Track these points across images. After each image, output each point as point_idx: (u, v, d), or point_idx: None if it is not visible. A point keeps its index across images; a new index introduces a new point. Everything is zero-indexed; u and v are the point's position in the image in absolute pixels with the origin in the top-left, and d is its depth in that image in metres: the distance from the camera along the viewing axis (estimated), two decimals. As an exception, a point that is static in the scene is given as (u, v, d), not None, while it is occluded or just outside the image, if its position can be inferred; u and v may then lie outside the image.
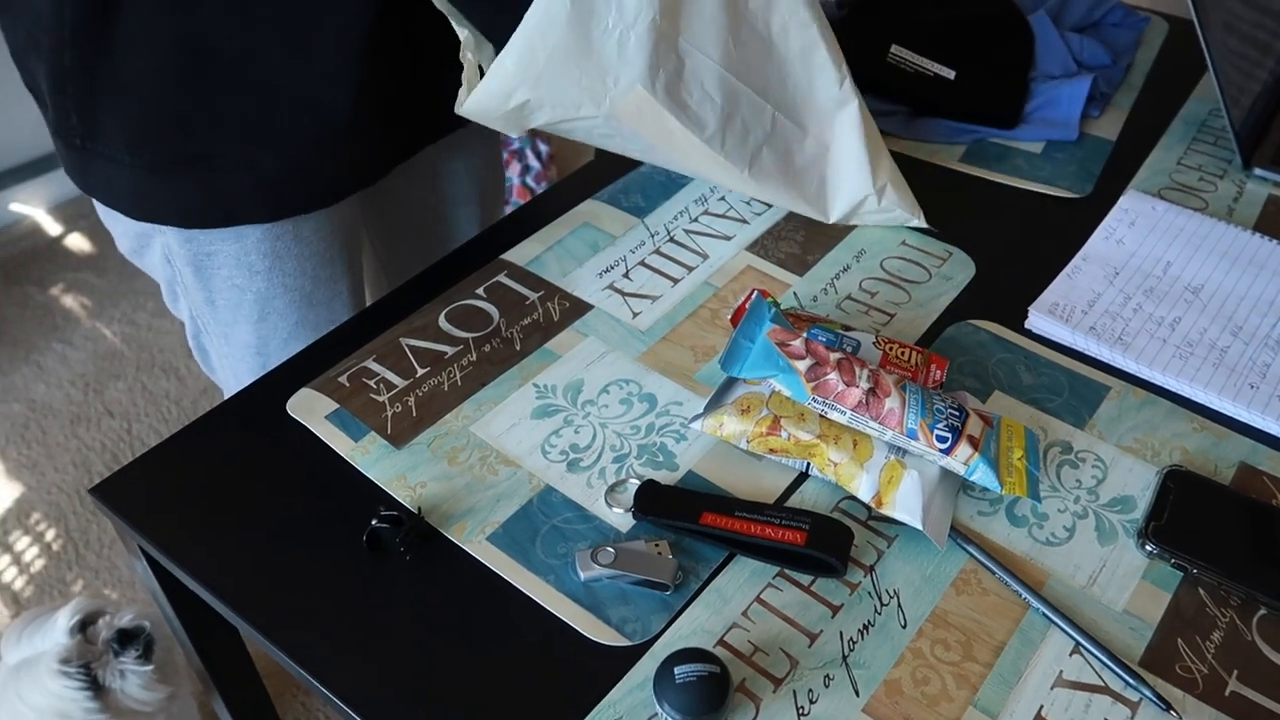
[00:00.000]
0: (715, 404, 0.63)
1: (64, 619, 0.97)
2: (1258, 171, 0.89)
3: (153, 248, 0.81)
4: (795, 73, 0.73)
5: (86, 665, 0.95)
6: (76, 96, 0.70)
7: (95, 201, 0.79)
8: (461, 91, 0.68)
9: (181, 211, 0.75)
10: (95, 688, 0.95)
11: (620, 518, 0.60)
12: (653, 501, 0.59)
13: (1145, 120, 0.96)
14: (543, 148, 2.08)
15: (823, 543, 0.56)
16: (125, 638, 0.98)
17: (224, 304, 0.81)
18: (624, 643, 0.54)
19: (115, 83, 0.69)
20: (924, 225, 0.80)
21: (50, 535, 1.54)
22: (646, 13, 0.65)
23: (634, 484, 0.61)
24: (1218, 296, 0.75)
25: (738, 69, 0.71)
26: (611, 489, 0.61)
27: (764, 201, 0.82)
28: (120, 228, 0.81)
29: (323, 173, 0.77)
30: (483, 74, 0.68)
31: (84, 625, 0.98)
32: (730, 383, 0.64)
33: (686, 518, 0.58)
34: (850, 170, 0.77)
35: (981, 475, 0.59)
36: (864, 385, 0.59)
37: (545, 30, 0.64)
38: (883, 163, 0.77)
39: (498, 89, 0.66)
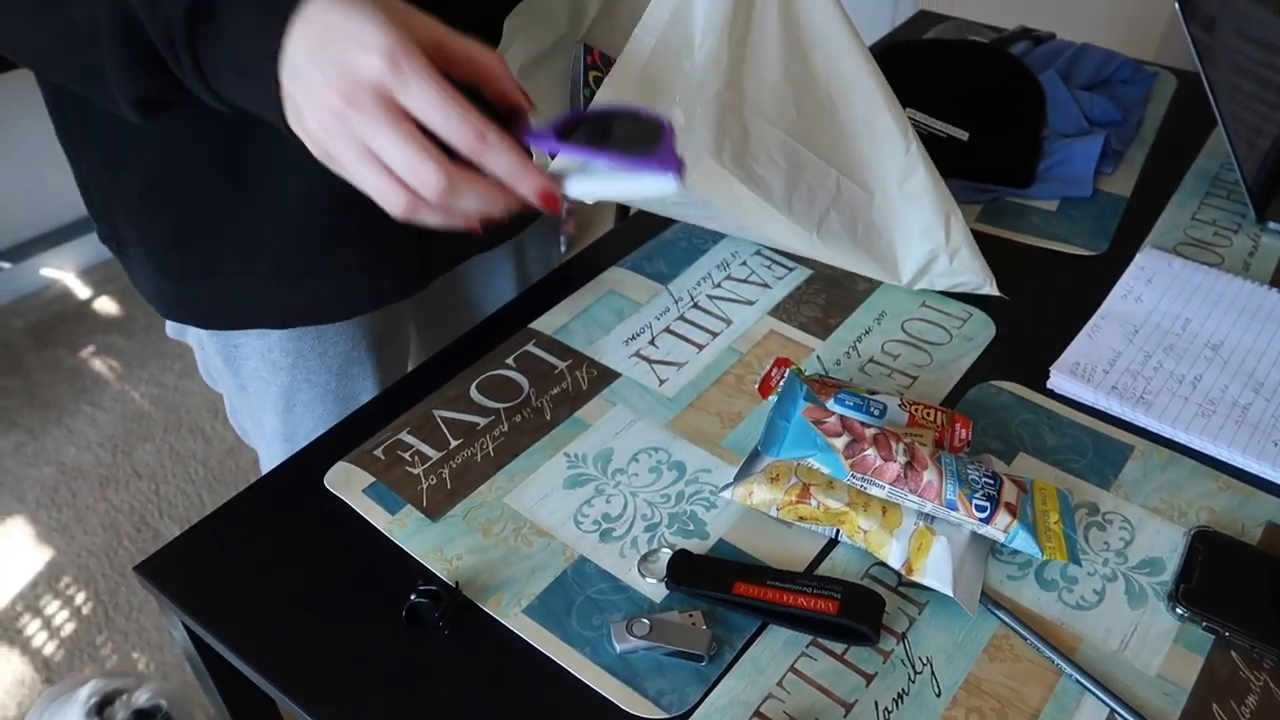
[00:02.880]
0: (745, 472, 0.64)
1: (83, 699, 0.98)
2: (1272, 225, 0.90)
3: (189, 331, 0.84)
4: (860, 137, 0.75)
5: None
6: (98, 203, 0.74)
7: None
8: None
9: (198, 315, 0.78)
10: None
11: (653, 588, 0.61)
12: (686, 571, 0.60)
13: (1158, 176, 0.98)
14: (562, 235, 2.11)
15: (855, 611, 0.57)
16: (142, 717, 0.99)
17: (253, 391, 0.83)
18: (661, 715, 0.55)
19: (124, 193, 0.71)
20: (996, 293, 0.81)
21: (80, 599, 1.55)
22: (711, 85, 0.67)
23: (666, 553, 0.62)
24: (1238, 353, 0.76)
25: (801, 135, 0.73)
26: (644, 559, 0.62)
27: (835, 265, 0.83)
28: None
29: (322, 284, 0.77)
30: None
31: (102, 707, 0.99)
32: (758, 452, 0.65)
33: (719, 587, 0.59)
34: (920, 232, 0.78)
35: (1021, 542, 0.60)
36: (901, 459, 0.60)
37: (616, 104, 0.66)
38: (955, 226, 0.78)
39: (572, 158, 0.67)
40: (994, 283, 0.81)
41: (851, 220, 0.77)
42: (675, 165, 0.49)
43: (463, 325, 0.96)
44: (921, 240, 0.79)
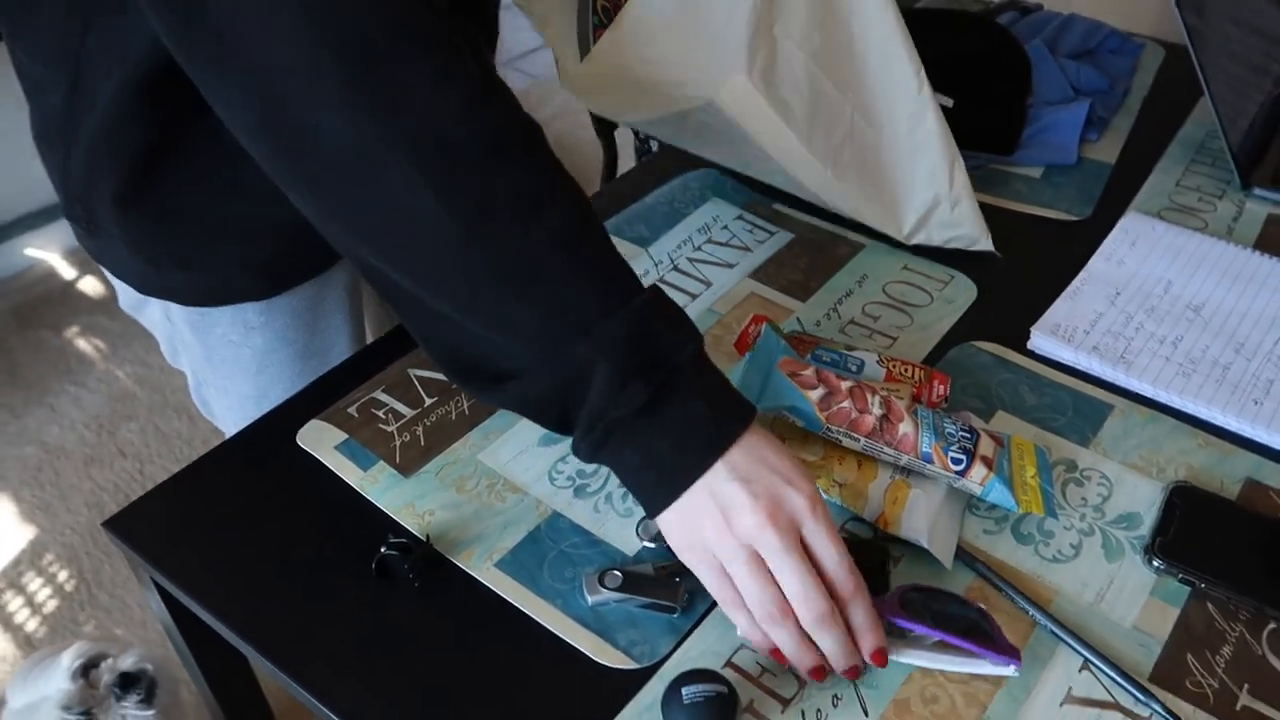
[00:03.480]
0: (720, 427, 0.63)
1: (66, 663, 0.97)
2: (1257, 191, 0.90)
3: (151, 305, 0.82)
4: (874, 73, 0.74)
5: (88, 711, 0.95)
6: (79, 192, 0.72)
7: None
8: (559, 65, 0.68)
9: (180, 294, 0.77)
10: None
11: (627, 542, 0.60)
12: None
13: (1143, 143, 0.97)
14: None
15: (860, 564, 0.57)
16: (127, 681, 0.98)
17: (221, 359, 0.82)
18: (632, 665, 0.54)
19: (106, 187, 0.70)
20: (990, 249, 0.80)
21: (63, 576, 1.54)
22: None
23: None
24: (1219, 314, 0.76)
25: (824, 63, 0.71)
26: (643, 522, 0.61)
27: (841, 214, 0.82)
28: (119, 287, 0.82)
29: (312, 249, 0.74)
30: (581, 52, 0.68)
31: (86, 669, 0.98)
32: (734, 406, 0.64)
33: None
34: (924, 177, 0.77)
35: (997, 495, 0.59)
36: (877, 411, 0.60)
37: (658, 5, 0.64)
38: (959, 175, 0.77)
39: (608, 61, 0.66)
40: (989, 238, 0.80)
41: (860, 160, 0.76)
42: (1017, 656, 0.52)
43: None
44: (925, 185, 0.78)
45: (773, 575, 0.51)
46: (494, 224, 0.51)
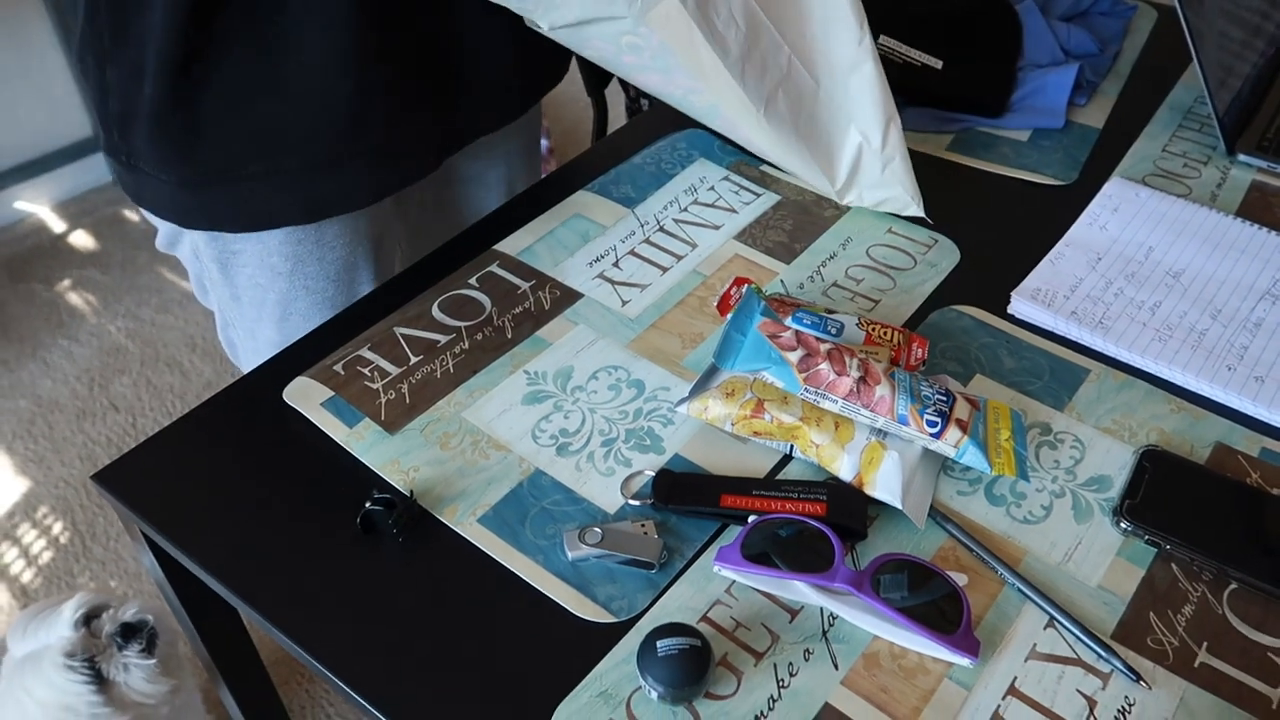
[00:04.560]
0: (700, 388, 0.64)
1: (68, 613, 0.99)
2: (1241, 157, 0.90)
3: (183, 243, 0.83)
4: (814, 19, 0.73)
5: (91, 659, 0.97)
6: (116, 113, 0.73)
7: None
8: None
9: (217, 220, 0.77)
10: (99, 681, 0.97)
11: (608, 500, 0.61)
12: (671, 489, 0.61)
13: (1131, 108, 0.97)
14: (544, 142, 2.09)
15: (842, 510, 0.58)
16: (128, 631, 1.00)
17: (248, 301, 0.83)
18: (610, 619, 0.55)
19: (141, 103, 0.70)
20: (921, 214, 0.81)
21: (57, 529, 1.56)
22: None
23: (648, 474, 0.62)
24: (1198, 281, 0.77)
25: (763, 0, 0.70)
26: (626, 481, 0.62)
27: (773, 164, 0.82)
28: (157, 224, 0.83)
29: (348, 171, 0.76)
30: None
31: (88, 619, 1.00)
32: (715, 367, 0.65)
33: (707, 501, 0.60)
34: (858, 132, 0.77)
35: (971, 457, 0.61)
36: (854, 374, 0.61)
37: None
38: (893, 134, 0.77)
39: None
40: (921, 203, 0.80)
41: (796, 106, 0.76)
42: (976, 650, 0.53)
43: (448, 236, 0.96)
44: (858, 141, 0.77)
45: None
46: None
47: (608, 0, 0.67)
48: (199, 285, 0.88)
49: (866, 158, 0.78)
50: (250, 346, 0.88)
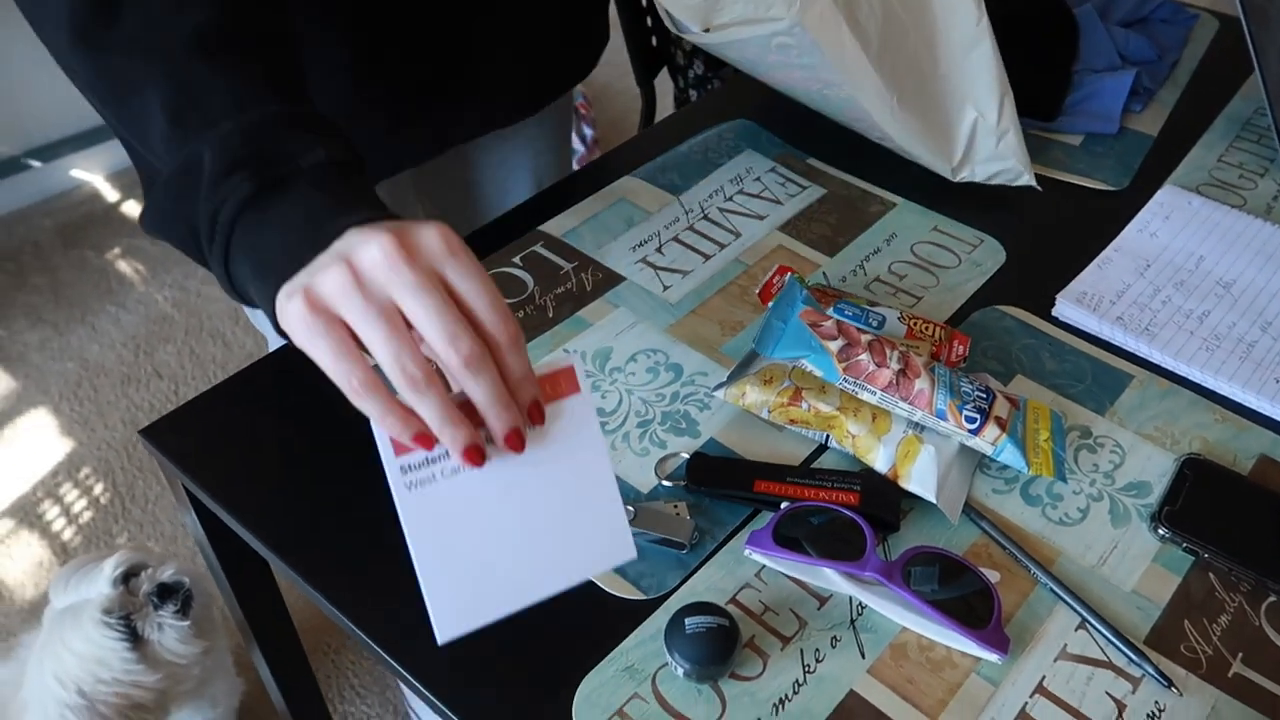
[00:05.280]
0: (739, 374, 0.65)
1: (109, 570, 1.01)
2: (1300, 171, 0.89)
3: None
4: (936, 3, 0.75)
5: (127, 616, 0.99)
6: None
7: None
8: None
9: None
10: (134, 638, 0.99)
11: (641, 479, 0.62)
12: (704, 472, 0.61)
13: (1188, 117, 0.96)
14: (588, 131, 2.10)
15: (876, 502, 0.58)
16: (165, 592, 1.02)
17: None
18: (639, 596, 0.56)
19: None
20: (1033, 184, 0.81)
21: (98, 489, 1.59)
22: None
23: (683, 457, 0.62)
24: (1249, 292, 0.75)
25: None
26: (661, 462, 0.63)
27: (895, 148, 0.83)
28: None
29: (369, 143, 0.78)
30: None
31: (127, 577, 1.02)
32: (754, 354, 0.65)
33: (740, 486, 0.60)
34: (974, 106, 0.78)
35: (1009, 456, 0.60)
36: (894, 366, 0.61)
37: None
38: (1007, 109, 0.78)
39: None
40: (1033, 173, 0.81)
41: (919, 89, 0.77)
42: (1005, 647, 0.52)
43: (472, 217, 0.97)
44: (974, 115, 0.79)
45: (412, 332, 0.42)
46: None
47: (767, 3, 0.68)
48: None
49: (981, 133, 0.80)
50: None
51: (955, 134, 0.80)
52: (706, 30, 0.73)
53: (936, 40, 0.76)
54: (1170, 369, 0.70)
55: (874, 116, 0.79)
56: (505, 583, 0.46)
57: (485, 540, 0.47)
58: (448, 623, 0.45)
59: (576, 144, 2.08)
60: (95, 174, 2.21)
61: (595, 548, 0.47)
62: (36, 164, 2.13)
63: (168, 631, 1.02)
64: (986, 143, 0.79)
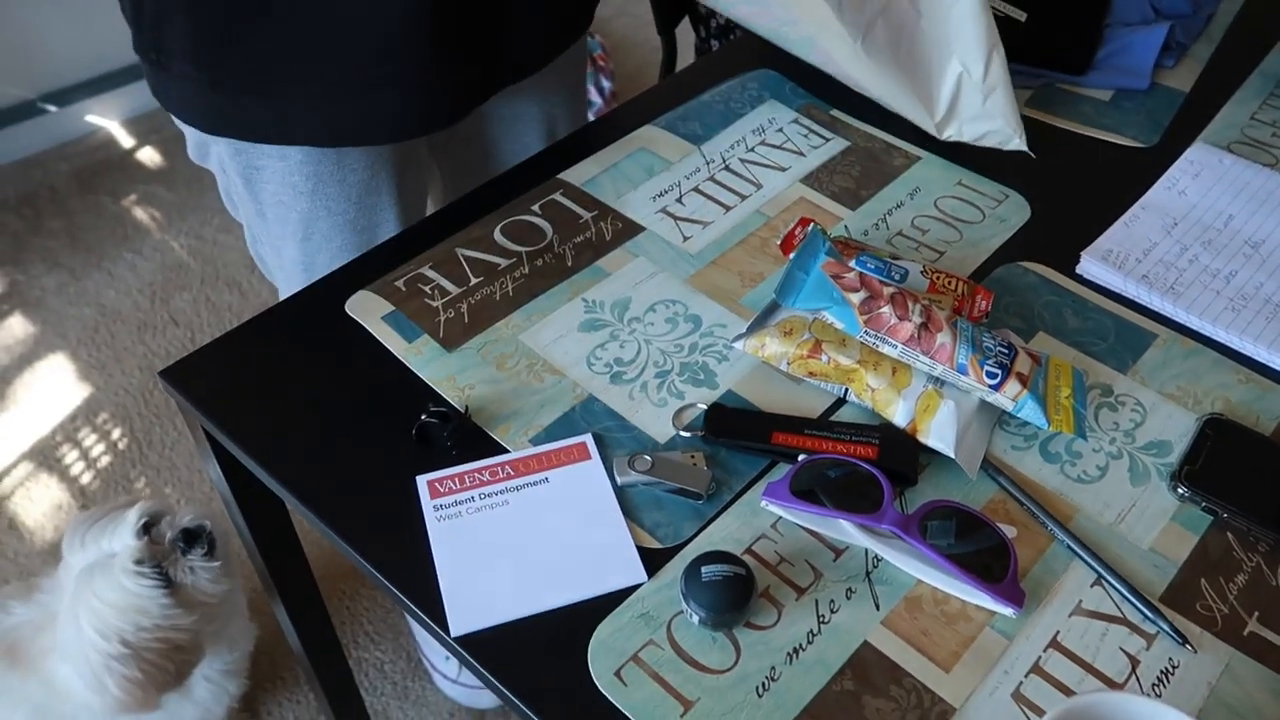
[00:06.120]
0: (759, 325, 0.64)
1: (132, 520, 1.01)
2: (1335, 130, 0.87)
3: (211, 155, 0.84)
4: None
5: (159, 564, 1.00)
6: (149, 8, 0.73)
7: None
8: None
9: (243, 127, 0.77)
10: (168, 584, 1.00)
11: (659, 429, 0.62)
12: (722, 424, 0.61)
13: (1222, 73, 0.94)
14: (606, 84, 2.08)
15: (893, 455, 0.58)
16: (190, 536, 1.03)
17: (273, 218, 0.84)
18: (656, 545, 0.56)
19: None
20: (1024, 148, 0.79)
21: (116, 434, 1.60)
22: None
23: (701, 408, 0.62)
24: (1279, 252, 0.74)
25: None
26: (679, 413, 0.62)
27: (863, 111, 0.81)
28: (187, 132, 0.83)
29: (377, 98, 0.76)
30: None
31: (148, 527, 1.03)
32: (774, 305, 0.65)
33: (758, 438, 0.60)
34: (960, 60, 0.76)
35: (1029, 412, 0.60)
36: (916, 320, 0.60)
37: None
38: (996, 63, 0.75)
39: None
40: (1024, 136, 0.78)
41: (896, 37, 0.74)
42: (1020, 601, 0.52)
43: (486, 173, 0.95)
44: (960, 71, 0.76)
45: None
46: None
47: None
48: (228, 198, 0.89)
49: (967, 89, 0.77)
50: (276, 263, 0.89)
51: (938, 88, 0.77)
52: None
53: None
54: (1195, 329, 0.69)
55: (836, 60, 0.77)
56: (517, 594, 0.54)
57: (501, 561, 0.55)
58: (461, 620, 0.53)
59: (594, 96, 2.06)
60: (111, 119, 2.20)
61: (606, 572, 0.55)
62: (52, 108, 2.12)
63: (199, 573, 1.03)
64: (972, 100, 0.77)
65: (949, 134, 0.80)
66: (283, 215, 0.82)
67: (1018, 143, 0.79)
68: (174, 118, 0.81)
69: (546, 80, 0.93)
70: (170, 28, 0.72)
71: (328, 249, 0.84)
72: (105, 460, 1.57)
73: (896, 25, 0.74)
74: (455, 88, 0.79)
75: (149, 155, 2.14)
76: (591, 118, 2.05)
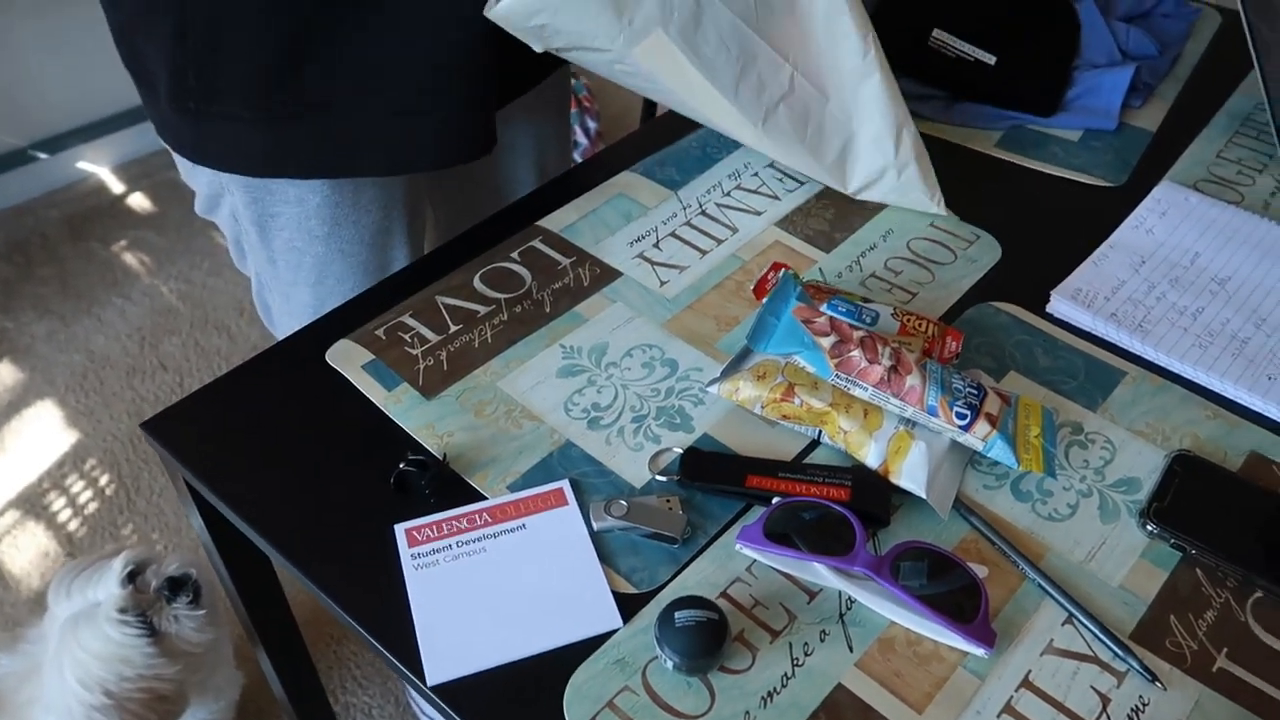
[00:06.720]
0: (733, 369, 0.65)
1: (117, 569, 1.01)
2: (1298, 167, 0.89)
3: (223, 207, 0.85)
4: (818, 37, 0.74)
5: (143, 613, 1.00)
6: (194, 49, 0.71)
7: (177, 158, 0.82)
8: None
9: (300, 162, 0.77)
10: (153, 633, 1.00)
11: (635, 474, 0.62)
12: (698, 467, 0.62)
13: (1188, 112, 0.96)
14: (591, 125, 2.10)
15: (866, 497, 0.59)
16: (175, 585, 1.03)
17: (284, 264, 0.85)
18: (631, 590, 0.57)
19: (240, 27, 0.69)
20: (942, 211, 0.81)
21: (104, 480, 1.60)
22: None
23: (676, 452, 0.63)
24: (1244, 288, 0.76)
25: (756, 24, 0.71)
26: (654, 457, 0.63)
27: (783, 166, 0.84)
28: (197, 183, 0.84)
29: (432, 128, 0.76)
30: None
31: (133, 576, 1.03)
32: (748, 349, 0.66)
33: (733, 481, 0.61)
34: (870, 142, 0.78)
35: (999, 452, 0.61)
36: (886, 362, 0.61)
37: None
38: (906, 140, 0.78)
39: (519, 7, 0.66)
40: (941, 201, 0.81)
41: (802, 119, 0.77)
42: (992, 641, 0.53)
43: (478, 210, 0.97)
44: (871, 151, 0.78)
45: None
46: None
47: (591, 34, 0.68)
48: (236, 249, 0.90)
49: (880, 165, 0.79)
50: (284, 309, 0.89)
51: (851, 166, 0.80)
52: (548, 49, 0.72)
53: (823, 73, 0.75)
54: (1163, 365, 0.70)
55: (743, 138, 0.80)
56: (494, 641, 0.55)
57: (478, 608, 0.56)
58: (438, 669, 0.53)
59: (580, 137, 2.08)
60: (101, 166, 2.22)
61: (582, 618, 0.55)
62: (43, 156, 2.14)
63: (184, 622, 1.02)
64: (888, 177, 0.79)
65: (866, 196, 0.82)
66: (296, 261, 0.83)
67: (937, 207, 0.81)
68: (183, 164, 0.81)
69: (534, 110, 0.94)
70: (222, 62, 0.71)
71: (340, 291, 0.85)
72: (93, 507, 1.57)
73: (803, 108, 0.76)
74: (490, 106, 0.80)
75: (139, 201, 2.16)
76: (578, 158, 2.07)
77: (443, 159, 0.80)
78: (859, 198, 0.82)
